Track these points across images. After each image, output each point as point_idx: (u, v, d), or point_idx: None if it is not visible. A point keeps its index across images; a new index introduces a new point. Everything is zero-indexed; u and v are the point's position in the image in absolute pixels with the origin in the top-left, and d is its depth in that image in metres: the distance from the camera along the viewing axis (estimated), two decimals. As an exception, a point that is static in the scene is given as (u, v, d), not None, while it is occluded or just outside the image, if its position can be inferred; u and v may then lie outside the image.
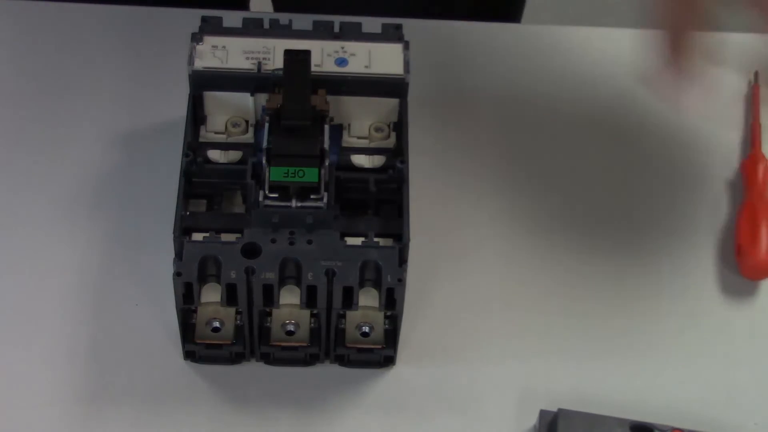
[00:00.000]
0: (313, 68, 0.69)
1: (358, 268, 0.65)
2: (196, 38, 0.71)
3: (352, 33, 0.72)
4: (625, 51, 0.83)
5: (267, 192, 0.66)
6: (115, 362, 0.70)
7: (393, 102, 0.71)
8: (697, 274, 0.75)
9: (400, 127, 0.71)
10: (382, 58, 0.71)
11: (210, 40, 0.71)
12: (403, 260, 0.66)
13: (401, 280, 0.65)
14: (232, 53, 0.71)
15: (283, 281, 0.66)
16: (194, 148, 0.69)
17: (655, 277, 0.75)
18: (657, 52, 0.64)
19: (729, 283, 0.75)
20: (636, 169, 0.80)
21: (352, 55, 0.71)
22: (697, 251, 0.76)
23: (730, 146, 0.80)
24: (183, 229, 0.66)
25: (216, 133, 0.71)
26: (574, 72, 0.82)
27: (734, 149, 0.80)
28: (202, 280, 0.66)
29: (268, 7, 1.00)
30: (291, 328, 0.69)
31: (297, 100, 0.68)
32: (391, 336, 0.69)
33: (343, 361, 0.71)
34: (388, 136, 0.72)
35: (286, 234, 0.66)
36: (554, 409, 0.68)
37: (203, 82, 0.70)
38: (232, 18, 0.73)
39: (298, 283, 0.66)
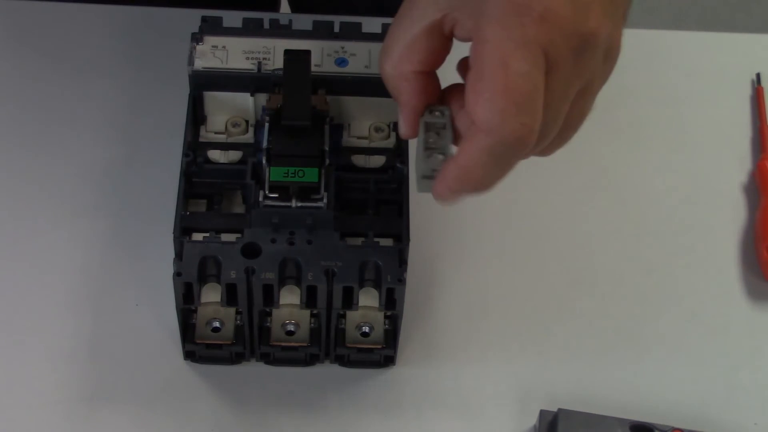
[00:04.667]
0: (313, 68, 0.69)
1: (358, 268, 0.65)
2: (196, 38, 0.71)
3: (352, 33, 0.72)
4: (628, 51, 0.83)
5: (267, 192, 0.66)
6: (115, 362, 0.70)
7: (393, 102, 0.71)
8: (696, 275, 0.75)
9: (400, 127, 0.71)
10: (382, 58, 0.71)
11: (210, 40, 0.71)
12: (403, 260, 0.66)
13: (401, 280, 0.65)
14: (232, 53, 0.71)
15: (283, 281, 0.66)
16: (194, 148, 0.69)
17: (655, 278, 0.75)
18: None
19: (727, 284, 0.75)
20: (637, 171, 0.80)
21: (352, 55, 0.71)
22: (697, 252, 0.76)
23: (741, 148, 0.80)
24: (183, 229, 0.66)
25: (216, 133, 0.71)
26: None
27: (745, 151, 0.80)
28: (202, 280, 0.66)
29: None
30: (291, 328, 0.69)
31: (297, 100, 0.68)
32: (391, 336, 0.69)
33: (343, 361, 0.71)
34: (388, 136, 0.71)
35: (286, 234, 0.66)
36: (554, 409, 0.68)
37: (203, 82, 0.70)
38: (232, 18, 0.73)
39: (298, 283, 0.66)
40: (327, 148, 0.67)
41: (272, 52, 0.71)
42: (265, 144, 0.68)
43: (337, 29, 0.72)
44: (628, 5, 0.59)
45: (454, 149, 0.58)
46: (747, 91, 0.83)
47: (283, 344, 0.69)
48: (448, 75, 0.60)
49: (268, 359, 0.71)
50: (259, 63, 0.70)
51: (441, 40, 0.58)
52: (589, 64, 0.56)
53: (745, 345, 0.73)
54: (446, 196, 0.57)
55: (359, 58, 0.71)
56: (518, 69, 0.54)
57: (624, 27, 0.59)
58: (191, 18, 0.74)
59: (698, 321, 0.74)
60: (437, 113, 0.59)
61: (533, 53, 0.54)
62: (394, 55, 0.59)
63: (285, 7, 1.00)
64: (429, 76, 0.59)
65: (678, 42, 0.85)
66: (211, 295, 0.67)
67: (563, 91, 0.56)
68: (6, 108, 0.79)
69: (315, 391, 0.70)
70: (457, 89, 0.59)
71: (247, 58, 0.70)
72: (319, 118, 0.68)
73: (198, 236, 0.66)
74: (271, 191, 0.66)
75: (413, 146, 0.70)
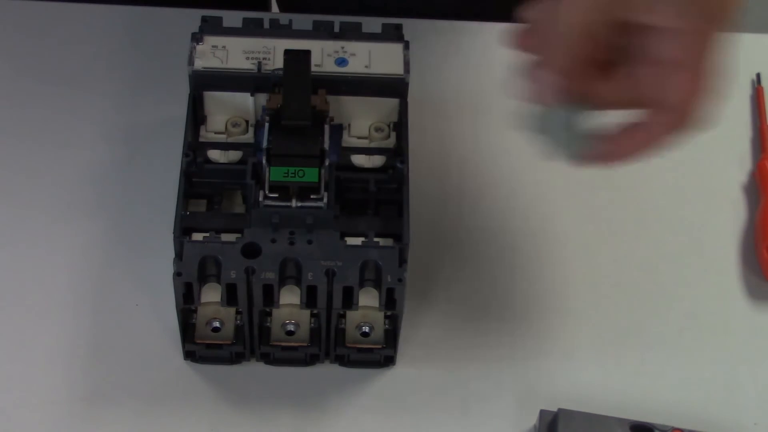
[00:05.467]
0: (313, 68, 0.69)
1: (358, 268, 0.65)
2: (196, 38, 0.71)
3: (352, 33, 0.72)
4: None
5: (267, 192, 0.66)
6: (115, 362, 0.70)
7: (393, 102, 0.71)
8: (696, 275, 0.75)
9: (400, 127, 0.71)
10: (382, 58, 0.71)
11: (210, 40, 0.71)
12: (403, 260, 0.66)
13: (401, 280, 0.65)
14: (232, 53, 0.71)
15: (283, 281, 0.66)
16: (194, 148, 0.69)
17: (655, 278, 0.75)
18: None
19: (728, 284, 0.75)
20: (636, 171, 0.79)
21: (352, 55, 0.71)
22: (697, 252, 0.76)
23: (741, 148, 0.80)
24: (183, 229, 0.66)
25: (216, 133, 0.71)
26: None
27: (745, 151, 0.80)
28: (202, 280, 0.66)
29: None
30: (291, 328, 0.69)
31: (297, 100, 0.68)
32: (391, 336, 0.69)
33: (343, 361, 0.71)
34: (388, 136, 0.72)
35: (286, 234, 0.66)
36: (554, 409, 0.68)
37: (203, 82, 0.70)
38: (232, 18, 0.73)
39: (298, 283, 0.66)
40: (327, 148, 0.67)
41: (272, 52, 0.71)
42: (265, 144, 0.68)
43: (337, 29, 0.72)
44: None
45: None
46: (747, 91, 0.83)
47: (283, 344, 0.69)
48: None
49: (268, 359, 0.71)
50: (259, 63, 0.70)
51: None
52: None
53: (745, 345, 0.73)
54: (607, 164, 0.62)
55: (359, 58, 0.71)
56: (714, 66, 0.59)
57: None
58: (191, 18, 0.74)
59: (698, 321, 0.74)
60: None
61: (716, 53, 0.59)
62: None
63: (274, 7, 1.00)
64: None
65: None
66: (211, 295, 0.67)
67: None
68: (6, 108, 0.79)
69: (315, 391, 0.70)
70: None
71: (247, 58, 0.71)
72: (319, 118, 0.68)
73: (198, 236, 0.66)
74: (271, 191, 0.66)
75: (414, 142, 0.70)
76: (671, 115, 0.60)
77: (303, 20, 0.74)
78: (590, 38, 0.59)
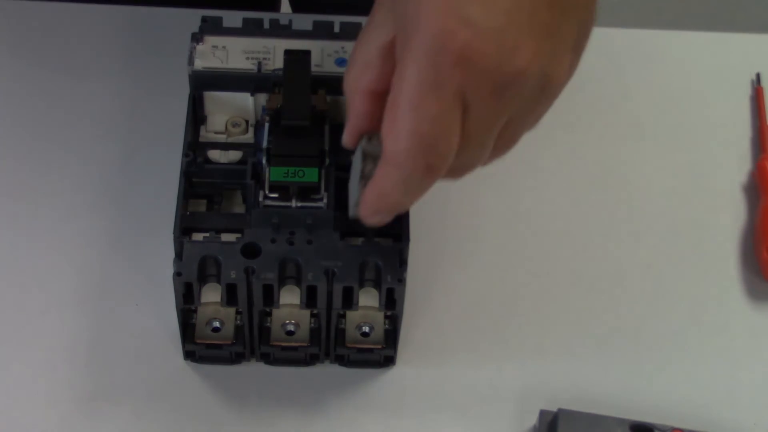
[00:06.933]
0: (313, 68, 0.69)
1: (358, 268, 0.65)
2: (196, 38, 0.71)
3: (352, 33, 0.72)
4: (629, 51, 0.83)
5: (267, 192, 0.66)
6: (115, 362, 0.70)
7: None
8: (696, 275, 0.75)
9: (400, 127, 0.71)
10: (382, 58, 0.71)
11: (210, 40, 0.71)
12: (403, 260, 0.66)
13: (401, 280, 0.65)
14: (232, 53, 0.71)
15: (283, 281, 0.66)
16: (194, 148, 0.69)
17: (655, 278, 0.75)
18: None
19: (728, 284, 0.75)
20: (636, 171, 0.80)
21: (352, 55, 0.71)
22: (697, 252, 0.76)
23: (741, 148, 0.80)
24: (183, 229, 0.66)
25: (216, 133, 0.71)
26: (575, 72, 0.82)
27: (745, 151, 0.80)
28: (202, 280, 0.66)
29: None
30: (291, 328, 0.69)
31: (297, 100, 0.68)
32: (391, 336, 0.69)
33: (343, 361, 0.71)
34: (388, 136, 0.71)
35: (286, 234, 0.66)
36: (554, 409, 0.68)
37: (203, 82, 0.70)
38: (232, 18, 0.73)
39: (298, 283, 0.66)
40: (327, 148, 0.67)
41: (272, 52, 0.71)
42: (265, 144, 0.68)
43: (337, 29, 0.72)
44: (585, 31, 0.57)
45: None
46: (747, 91, 0.83)
47: (283, 344, 0.69)
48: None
49: (268, 359, 0.71)
50: (259, 63, 0.70)
51: (394, 62, 0.57)
52: (514, 102, 0.55)
53: (745, 345, 0.73)
54: (371, 217, 0.60)
55: (359, 58, 0.71)
56: (428, 113, 0.54)
57: (579, 53, 0.57)
58: (191, 18, 0.74)
59: (698, 321, 0.74)
60: (376, 141, 0.59)
61: (446, 96, 0.54)
62: (353, 70, 0.59)
63: (286, 7, 1.00)
64: (382, 96, 0.57)
65: (678, 42, 0.85)
66: (211, 295, 0.67)
67: (482, 129, 0.56)
68: (6, 108, 0.79)
69: (315, 391, 0.70)
70: None
71: (247, 58, 0.70)
72: (319, 118, 0.68)
73: (198, 236, 0.66)
74: (271, 191, 0.66)
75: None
76: (388, 163, 0.56)
77: (303, 20, 0.74)
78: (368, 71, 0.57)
